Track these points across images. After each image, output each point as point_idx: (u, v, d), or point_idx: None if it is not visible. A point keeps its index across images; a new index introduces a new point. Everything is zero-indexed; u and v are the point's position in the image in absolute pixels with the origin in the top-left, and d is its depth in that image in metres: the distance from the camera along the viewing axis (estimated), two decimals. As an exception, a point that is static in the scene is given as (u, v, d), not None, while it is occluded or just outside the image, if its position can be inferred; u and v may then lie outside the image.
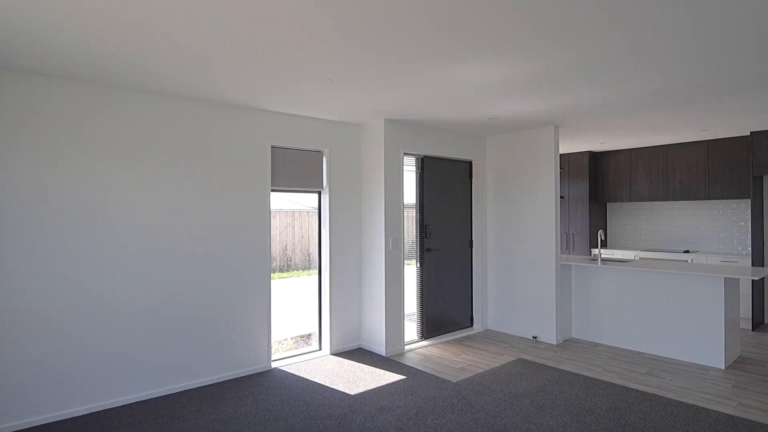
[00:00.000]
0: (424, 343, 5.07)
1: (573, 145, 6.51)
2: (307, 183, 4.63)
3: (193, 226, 3.86)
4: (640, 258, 6.48)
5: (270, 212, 4.30)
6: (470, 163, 5.73)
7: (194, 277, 3.86)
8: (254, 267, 4.20)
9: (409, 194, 5.21)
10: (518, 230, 5.41)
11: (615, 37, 2.57)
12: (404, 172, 5.03)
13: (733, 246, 6.14)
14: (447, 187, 5.44)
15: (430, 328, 5.22)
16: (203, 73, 3.17)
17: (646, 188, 6.67)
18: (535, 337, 5.19)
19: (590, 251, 7.02)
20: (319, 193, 4.79)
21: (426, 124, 4.93)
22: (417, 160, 5.16)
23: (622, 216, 7.24)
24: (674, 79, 3.35)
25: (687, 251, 6.19)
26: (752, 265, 5.49)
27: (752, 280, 5.49)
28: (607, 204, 7.40)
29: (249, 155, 4.17)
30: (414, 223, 5.18)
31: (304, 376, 4.08)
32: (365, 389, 3.77)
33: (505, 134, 5.57)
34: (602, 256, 6.95)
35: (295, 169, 4.54)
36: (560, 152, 7.20)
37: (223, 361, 4.02)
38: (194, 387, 3.84)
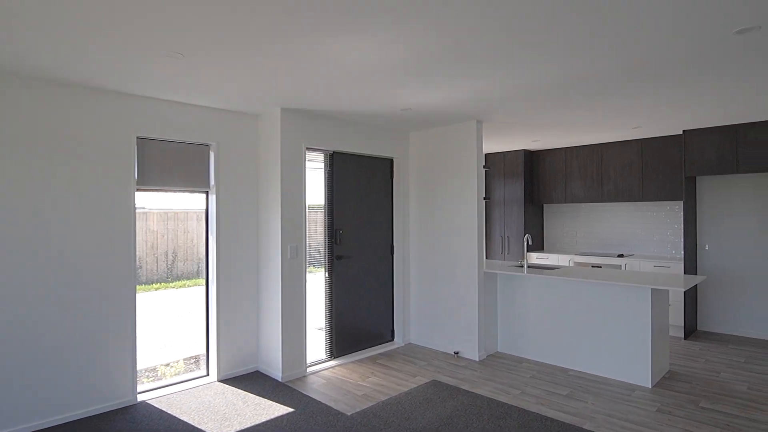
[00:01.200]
0: (332, 363, 4.49)
1: (507, 143, 6.11)
2: (189, 182, 3.95)
3: (36, 231, 3.12)
4: (575, 263, 6.15)
5: (135, 215, 3.60)
6: (391, 160, 5.20)
7: (41, 293, 3.12)
8: (115, 279, 3.49)
9: (318, 195, 4.62)
10: (441, 235, 4.92)
11: (526, 9, 2.06)
12: (310, 169, 4.43)
13: (667, 250, 5.89)
14: (364, 188, 4.89)
15: (341, 345, 4.65)
16: (31, 41, 2.46)
17: (581, 189, 6.35)
18: (457, 353, 4.72)
19: (525, 256, 6.63)
20: (207, 194, 4.12)
21: (334, 115, 4.35)
22: (326, 156, 4.58)
23: (558, 218, 6.91)
24: (591, 65, 2.91)
25: (621, 255, 5.90)
26: (684, 271, 5.22)
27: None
28: (544, 205, 7.06)
29: (108, 148, 3.46)
30: (323, 228, 4.59)
31: (172, 413, 3.41)
32: (238, 429, 3.15)
33: (428, 129, 5.07)
34: (535, 261, 6.59)
35: (173, 166, 3.86)
36: (495, 150, 6.80)
37: (75, 395, 3.30)
38: (36, 430, 3.11)
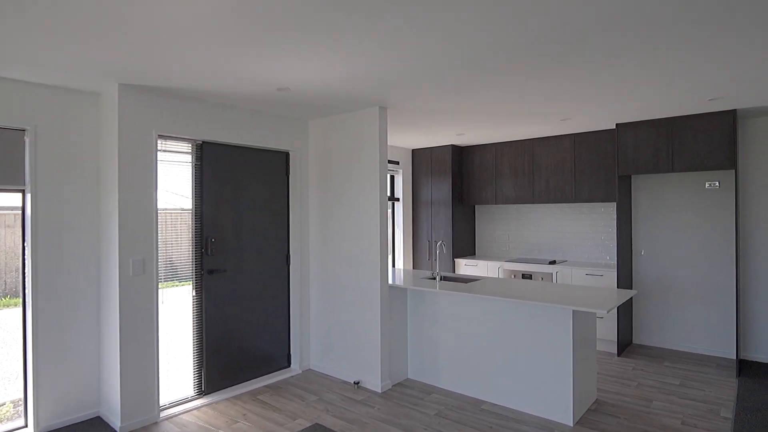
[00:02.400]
0: (200, 402, 3.65)
1: (432, 137, 5.43)
2: (-10, 177, 3.02)
3: None
4: (505, 271, 5.55)
5: None
6: (287, 154, 4.40)
7: None
8: None
9: (186, 196, 3.76)
10: (343, 242, 4.17)
11: None
12: (169, 163, 3.58)
13: (601, 255, 5.38)
14: (250, 187, 4.07)
15: (216, 378, 3.81)
16: None
17: (512, 189, 5.76)
18: (357, 383, 3.97)
19: (454, 262, 6.00)
20: (23, 192, 3.19)
21: (199, 96, 3.51)
22: (193, 147, 3.73)
23: (490, 220, 6.31)
24: (489, 36, 2.22)
25: (554, 262, 5.34)
26: (618, 280, 4.69)
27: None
28: (476, 207, 6.45)
29: None
30: (191, 236, 3.74)
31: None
32: None
33: (328, 117, 4.30)
34: (462, 271, 5.96)
35: (-38, 155, 2.92)
36: (421, 146, 6.12)
37: None
38: None
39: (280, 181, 4.33)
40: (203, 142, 3.73)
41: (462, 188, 6.19)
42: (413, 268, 6.39)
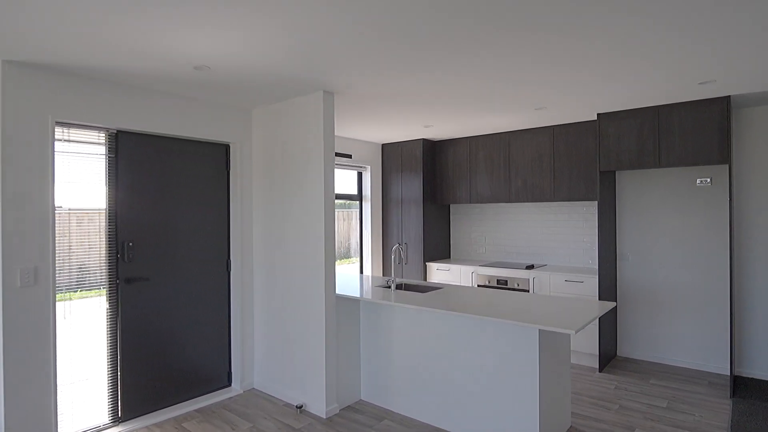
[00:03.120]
0: (116, 431, 3.16)
1: (400, 130, 4.96)
2: None
3: None
4: (479, 276, 5.08)
5: None
6: (227, 147, 3.92)
7: None
8: None
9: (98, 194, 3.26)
10: (288, 245, 3.69)
11: None
12: (73, 155, 3.09)
13: (583, 259, 4.91)
14: (182, 183, 3.58)
15: (137, 401, 3.32)
16: None
17: (487, 186, 5.30)
18: (300, 407, 3.49)
19: (425, 267, 5.53)
20: None
21: (110, 78, 3.02)
22: (107, 137, 3.23)
23: (466, 221, 5.84)
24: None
25: (531, 266, 4.87)
26: (599, 288, 4.22)
27: (598, 299, 4.23)
28: (451, 206, 5.98)
29: None
30: (103, 239, 3.24)
31: None
32: None
33: (273, 105, 3.82)
34: (434, 277, 5.49)
35: None
36: (390, 140, 5.65)
37: None
38: None
39: (219, 176, 3.85)
40: (118, 131, 3.24)
41: (435, 186, 5.72)
42: (383, 273, 5.92)
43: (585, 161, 4.60)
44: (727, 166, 4.06)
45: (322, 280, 3.36)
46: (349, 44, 2.47)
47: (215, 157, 3.83)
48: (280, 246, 3.72)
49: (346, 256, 5.68)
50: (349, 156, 3.50)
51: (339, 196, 5.47)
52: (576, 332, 2.39)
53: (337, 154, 3.49)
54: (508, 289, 4.85)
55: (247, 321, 3.93)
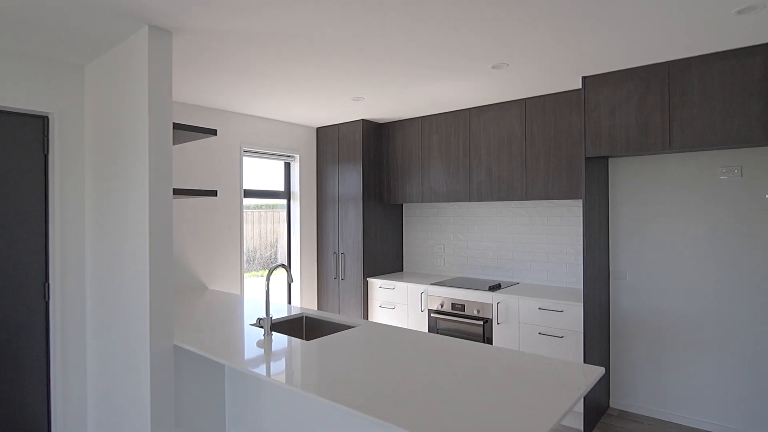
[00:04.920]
0: None
1: (327, 108, 3.76)
2: None
3: None
4: (430, 298, 3.87)
5: None
6: (44, 119, 2.71)
7: None
8: None
9: None
10: (113, 259, 2.47)
11: None
12: None
13: (564, 276, 3.71)
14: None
15: None
16: None
17: (443, 180, 4.09)
18: None
19: (365, 284, 4.32)
20: None
21: None
22: None
23: (420, 225, 4.64)
24: None
25: (497, 287, 3.67)
26: (585, 320, 3.02)
27: (583, 335, 3.02)
28: (404, 206, 4.78)
29: None
30: None
31: None
32: None
33: (108, 53, 2.60)
34: (375, 297, 4.28)
35: None
36: (327, 123, 4.44)
37: None
38: None
39: (29, 162, 2.64)
40: None
41: (381, 180, 4.52)
42: (317, 290, 4.71)
43: (567, 145, 3.40)
44: None
45: (146, 321, 2.15)
46: None
47: (25, 135, 2.61)
48: (108, 258, 2.51)
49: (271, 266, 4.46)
50: (212, 132, 2.34)
51: (254, 193, 4.26)
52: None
53: (186, 127, 2.28)
54: (465, 317, 3.65)
55: (74, 370, 2.72)
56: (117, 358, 2.42)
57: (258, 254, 4.36)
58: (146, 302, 2.15)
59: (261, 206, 4.41)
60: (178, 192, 2.24)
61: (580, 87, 3.21)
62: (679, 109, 2.72)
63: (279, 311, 2.85)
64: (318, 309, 4.70)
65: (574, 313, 3.14)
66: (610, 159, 3.45)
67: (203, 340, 2.19)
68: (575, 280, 3.65)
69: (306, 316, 2.79)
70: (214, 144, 3.83)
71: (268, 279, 2.32)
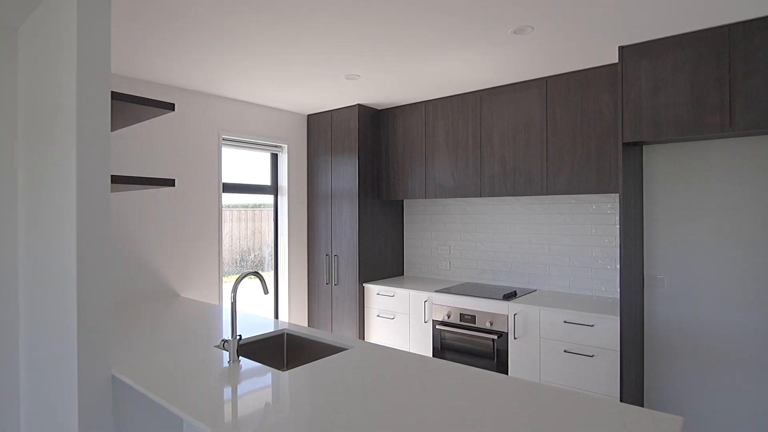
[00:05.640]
0: None
1: (318, 88, 3.27)
2: None
3: None
4: (436, 305, 3.38)
5: None
6: (-33, 92, 2.21)
7: None
8: None
9: None
10: (45, 264, 1.98)
11: None
12: None
13: (591, 283, 3.23)
14: None
15: None
16: None
17: (449, 174, 3.61)
18: None
19: (361, 290, 3.84)
20: None
21: None
22: None
23: (423, 224, 4.15)
24: None
25: (513, 294, 3.19)
26: (621, 336, 2.54)
27: (620, 355, 2.54)
28: (405, 203, 4.29)
29: None
30: None
31: None
32: None
33: (38, 9, 2.11)
34: (372, 306, 3.79)
35: None
36: (320, 109, 3.95)
37: None
38: None
39: (-53, 145, 2.14)
40: None
41: (379, 174, 4.03)
42: (308, 297, 4.22)
43: (596, 131, 2.91)
44: (840, 134, 2.39)
45: (73, 344, 1.66)
46: None
47: (-63, 110, 2.12)
48: (38, 270, 2.02)
49: (257, 269, 3.97)
50: (168, 107, 1.88)
51: (235, 188, 3.77)
52: None
53: (132, 98, 1.78)
54: (476, 330, 3.16)
55: (8, 402, 2.22)
56: (47, 389, 1.93)
57: (240, 257, 3.87)
58: (73, 319, 1.66)
59: (247, 205, 3.92)
60: (118, 180, 1.75)
61: (616, 61, 2.72)
62: (742, 82, 2.23)
63: (258, 326, 2.36)
64: (308, 318, 4.21)
65: (606, 327, 2.66)
66: (644, 147, 2.97)
67: (151, 369, 1.69)
68: (604, 288, 3.17)
69: (288, 333, 2.30)
70: (187, 130, 3.34)
71: (234, 290, 1.83)
